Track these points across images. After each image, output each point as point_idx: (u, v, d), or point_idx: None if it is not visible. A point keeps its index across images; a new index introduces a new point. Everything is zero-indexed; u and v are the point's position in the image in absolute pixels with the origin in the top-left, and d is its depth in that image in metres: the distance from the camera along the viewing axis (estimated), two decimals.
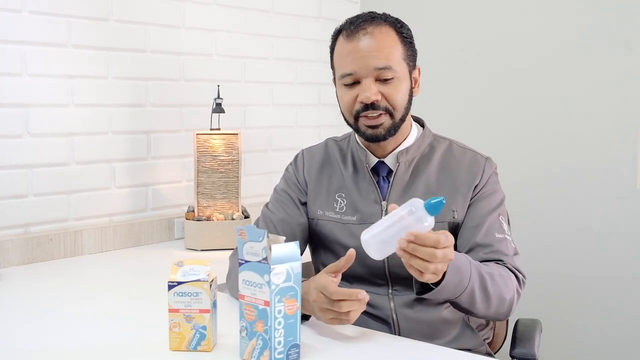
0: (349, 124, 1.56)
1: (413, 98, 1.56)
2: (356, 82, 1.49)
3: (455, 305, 1.42)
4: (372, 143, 1.55)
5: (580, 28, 2.51)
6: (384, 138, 1.51)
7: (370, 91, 1.46)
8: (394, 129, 1.51)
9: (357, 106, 1.50)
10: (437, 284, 1.32)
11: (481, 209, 1.52)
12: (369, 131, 1.51)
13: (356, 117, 1.51)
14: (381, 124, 1.49)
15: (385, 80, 1.48)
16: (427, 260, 1.22)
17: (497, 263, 1.48)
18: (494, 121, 2.72)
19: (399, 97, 1.49)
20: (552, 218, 2.59)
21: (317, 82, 2.86)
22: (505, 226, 1.53)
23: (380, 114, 1.48)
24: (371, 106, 1.48)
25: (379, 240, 1.26)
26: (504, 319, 1.52)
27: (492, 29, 2.72)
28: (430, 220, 1.24)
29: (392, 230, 1.25)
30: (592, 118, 2.49)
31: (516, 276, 1.48)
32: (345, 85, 1.51)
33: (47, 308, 1.58)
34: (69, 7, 2.09)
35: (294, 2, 2.77)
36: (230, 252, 1.74)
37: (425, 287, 1.35)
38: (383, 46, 1.48)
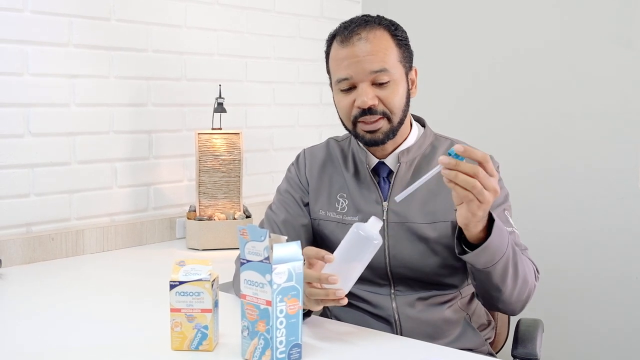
0: (347, 129, 1.55)
1: (411, 99, 1.55)
2: (352, 87, 1.49)
3: (487, 278, 1.39)
4: (371, 147, 1.55)
5: (582, 27, 2.51)
6: (382, 142, 1.51)
7: (367, 96, 1.46)
8: (392, 133, 1.50)
9: (355, 111, 1.49)
10: (478, 245, 1.31)
11: None
12: (368, 136, 1.50)
13: (354, 123, 1.50)
14: (379, 129, 1.49)
15: (381, 84, 1.47)
16: (471, 177, 1.23)
17: None
18: (495, 122, 2.72)
19: (396, 100, 1.48)
20: (553, 218, 2.59)
21: (319, 82, 2.86)
22: (511, 221, 1.53)
23: (378, 119, 1.48)
24: (369, 111, 1.47)
25: (343, 279, 1.27)
26: (519, 311, 1.49)
27: (492, 28, 2.72)
28: (379, 238, 1.28)
29: (347, 260, 1.28)
30: (594, 117, 2.49)
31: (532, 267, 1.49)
32: (342, 90, 1.50)
33: (49, 308, 1.58)
34: (70, 6, 2.09)
35: (295, 1, 2.77)
36: (235, 253, 1.74)
37: (465, 252, 1.35)
38: (378, 49, 1.47)
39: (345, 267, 1.28)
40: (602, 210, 2.48)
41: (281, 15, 2.72)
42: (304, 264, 1.25)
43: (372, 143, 1.51)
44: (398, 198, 1.30)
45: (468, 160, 1.24)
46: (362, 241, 1.28)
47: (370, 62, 1.46)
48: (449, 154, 1.23)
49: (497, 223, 1.32)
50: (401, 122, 1.51)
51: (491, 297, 1.46)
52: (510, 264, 1.38)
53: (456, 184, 1.24)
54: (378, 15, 1.54)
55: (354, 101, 1.48)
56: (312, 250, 1.30)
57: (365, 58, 1.46)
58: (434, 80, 2.75)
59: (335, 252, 1.29)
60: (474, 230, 1.31)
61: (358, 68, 1.46)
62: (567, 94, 2.55)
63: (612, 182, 2.46)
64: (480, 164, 1.24)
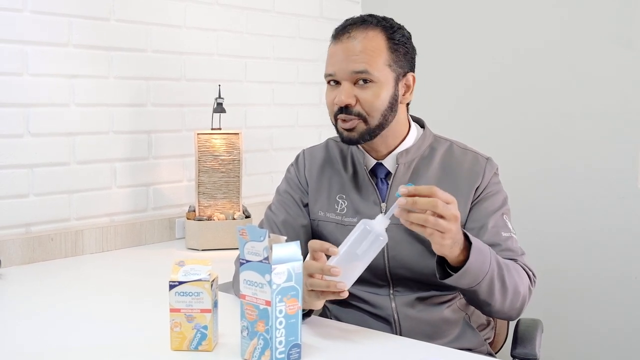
0: (333, 124, 1.56)
1: (405, 103, 1.55)
2: (338, 83, 1.50)
3: (474, 295, 1.40)
4: (362, 147, 1.56)
5: (582, 27, 2.51)
6: (357, 142, 1.51)
7: (344, 94, 1.47)
8: (368, 135, 1.50)
9: (335, 108, 1.50)
10: (459, 267, 1.32)
11: (485, 209, 1.51)
12: (345, 134, 1.51)
13: (336, 119, 1.52)
14: (354, 128, 1.49)
15: (363, 85, 1.47)
16: (427, 213, 1.23)
17: None
18: (495, 122, 2.72)
19: (376, 103, 1.48)
20: (553, 218, 2.59)
21: (318, 82, 2.85)
22: (510, 225, 1.53)
23: (353, 119, 1.48)
24: (345, 109, 1.48)
25: (345, 273, 1.27)
26: (516, 317, 1.50)
27: (491, 28, 2.72)
28: (385, 235, 1.28)
29: (352, 255, 1.28)
30: (594, 117, 2.49)
31: (527, 273, 1.48)
32: (329, 85, 1.52)
33: (48, 308, 1.58)
34: (70, 6, 2.09)
35: (295, 1, 2.77)
36: (235, 254, 1.74)
37: (448, 275, 1.36)
38: (363, 51, 1.47)
39: (348, 262, 1.28)
40: (602, 210, 2.48)
41: (281, 15, 2.72)
42: (305, 260, 1.25)
43: (348, 141, 1.52)
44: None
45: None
46: (368, 237, 1.28)
47: (353, 62, 1.46)
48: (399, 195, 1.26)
49: (475, 245, 1.33)
50: (381, 126, 1.50)
51: (483, 309, 1.48)
52: (496, 280, 1.38)
53: (412, 222, 1.25)
54: (383, 17, 1.53)
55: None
56: (317, 242, 1.31)
57: (350, 57, 1.47)
58: (434, 80, 2.75)
59: (340, 247, 1.29)
60: (451, 255, 1.32)
61: (341, 66, 1.48)
62: (567, 94, 2.55)
63: (612, 182, 2.46)
64: (432, 197, 1.24)
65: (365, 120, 1.48)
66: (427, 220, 1.24)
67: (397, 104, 1.52)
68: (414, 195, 1.25)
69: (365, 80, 1.46)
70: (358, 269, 1.30)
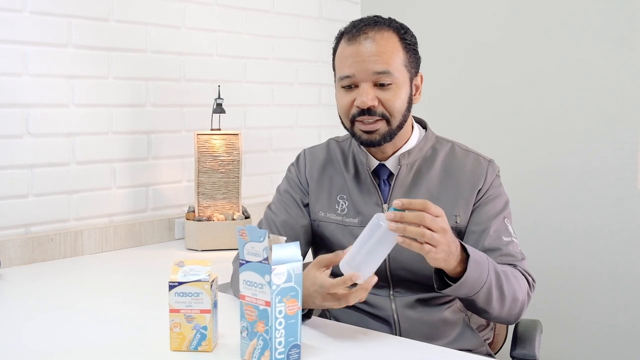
0: (345, 127, 1.55)
1: (414, 104, 1.55)
2: (354, 86, 1.48)
3: (471, 304, 1.41)
4: (367, 148, 1.54)
5: (582, 27, 2.51)
6: (378, 144, 1.50)
7: (367, 96, 1.45)
8: (389, 136, 1.50)
9: (354, 110, 1.48)
10: (457, 279, 1.32)
11: (486, 213, 1.51)
12: (364, 136, 1.50)
13: (352, 121, 1.50)
14: (377, 130, 1.48)
15: (383, 86, 1.46)
16: (418, 226, 1.23)
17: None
18: (494, 123, 2.72)
19: (397, 103, 1.47)
20: (552, 219, 2.59)
21: (318, 83, 2.86)
22: (510, 229, 1.53)
23: (377, 120, 1.47)
24: (367, 111, 1.47)
25: (355, 265, 1.27)
26: (514, 322, 1.51)
27: (490, 30, 2.72)
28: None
29: (366, 250, 1.27)
30: (593, 118, 2.49)
31: (526, 279, 1.48)
32: (344, 87, 1.50)
33: (47, 308, 1.58)
34: (69, 7, 2.09)
35: (294, 2, 2.77)
36: (234, 254, 1.74)
37: (446, 284, 1.36)
38: (383, 51, 1.46)
39: (364, 257, 1.27)
40: (602, 211, 2.48)
41: (280, 16, 2.72)
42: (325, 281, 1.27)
43: (369, 144, 1.51)
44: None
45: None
46: (382, 231, 1.26)
47: (374, 62, 1.45)
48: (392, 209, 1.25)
49: (472, 257, 1.33)
50: (400, 126, 1.50)
51: (480, 315, 1.48)
52: (494, 289, 1.38)
53: (405, 239, 1.25)
54: (389, 18, 1.53)
55: (354, 100, 1.48)
56: (324, 259, 1.32)
57: (370, 58, 1.45)
58: (434, 81, 2.75)
59: (355, 242, 1.29)
60: (448, 268, 1.32)
61: (361, 67, 1.46)
62: (567, 94, 2.55)
63: (612, 182, 2.46)
64: (423, 211, 1.24)
65: (387, 121, 1.48)
66: (424, 234, 1.24)
67: (411, 104, 1.53)
68: (406, 209, 1.24)
69: (385, 81, 1.46)
70: (376, 261, 1.28)
